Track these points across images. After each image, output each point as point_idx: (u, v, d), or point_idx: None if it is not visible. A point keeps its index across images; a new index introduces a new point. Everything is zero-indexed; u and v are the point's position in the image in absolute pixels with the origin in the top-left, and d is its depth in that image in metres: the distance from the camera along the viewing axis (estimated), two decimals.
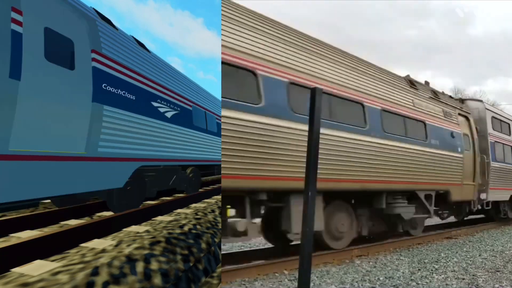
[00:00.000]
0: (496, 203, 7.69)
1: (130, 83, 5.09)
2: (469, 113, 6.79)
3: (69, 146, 3.69)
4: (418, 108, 5.46)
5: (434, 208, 6.19)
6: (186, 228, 3.99)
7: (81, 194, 4.75)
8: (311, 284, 3.00)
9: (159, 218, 5.01)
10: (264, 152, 3.22)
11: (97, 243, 3.40)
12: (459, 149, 5.98)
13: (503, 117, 8.08)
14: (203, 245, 3.70)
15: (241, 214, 3.25)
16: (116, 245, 3.17)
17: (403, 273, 3.46)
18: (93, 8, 4.80)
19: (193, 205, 6.67)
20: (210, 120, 9.63)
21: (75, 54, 3.90)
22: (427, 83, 6.36)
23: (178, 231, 3.80)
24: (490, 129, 7.22)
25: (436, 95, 6.04)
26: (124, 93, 4.87)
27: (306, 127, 3.56)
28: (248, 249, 4.66)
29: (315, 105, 2.14)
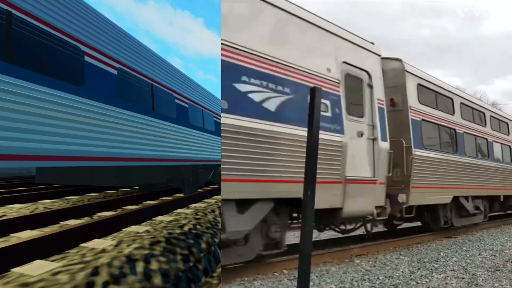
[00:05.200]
0: (432, 209, 5.60)
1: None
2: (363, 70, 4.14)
3: None
4: None
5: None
6: (186, 228, 3.99)
7: None
8: (311, 284, 3.01)
9: (159, 218, 5.02)
10: None
11: (97, 243, 3.40)
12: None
13: (441, 87, 5.59)
14: (203, 245, 3.70)
15: None
16: (116, 245, 3.18)
17: (402, 272, 3.46)
18: None
19: (193, 205, 6.67)
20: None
21: None
22: None
23: (178, 231, 3.80)
24: (413, 102, 4.93)
25: None
26: None
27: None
28: None
29: (315, 105, 2.14)
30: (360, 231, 6.43)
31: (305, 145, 3.15)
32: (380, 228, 6.58)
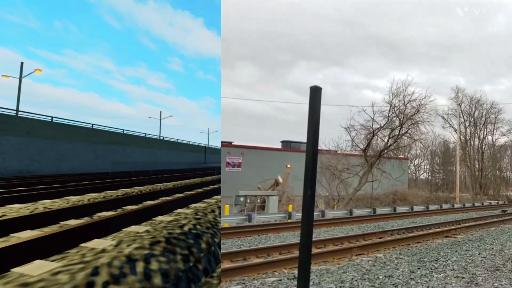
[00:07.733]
0: None
1: None
2: None
3: None
4: None
5: None
6: (186, 228, 4.00)
7: None
8: (311, 283, 3.01)
9: (159, 218, 5.02)
10: None
11: (97, 243, 3.40)
12: None
13: None
14: (203, 245, 3.70)
15: None
16: (116, 245, 3.18)
17: (402, 271, 3.46)
18: None
19: (193, 205, 6.68)
20: None
21: None
22: None
23: (178, 231, 3.80)
24: None
25: None
26: None
27: None
28: (248, 248, 4.67)
29: (315, 105, 2.14)
30: (360, 230, 6.43)
31: None
32: (380, 227, 6.59)
